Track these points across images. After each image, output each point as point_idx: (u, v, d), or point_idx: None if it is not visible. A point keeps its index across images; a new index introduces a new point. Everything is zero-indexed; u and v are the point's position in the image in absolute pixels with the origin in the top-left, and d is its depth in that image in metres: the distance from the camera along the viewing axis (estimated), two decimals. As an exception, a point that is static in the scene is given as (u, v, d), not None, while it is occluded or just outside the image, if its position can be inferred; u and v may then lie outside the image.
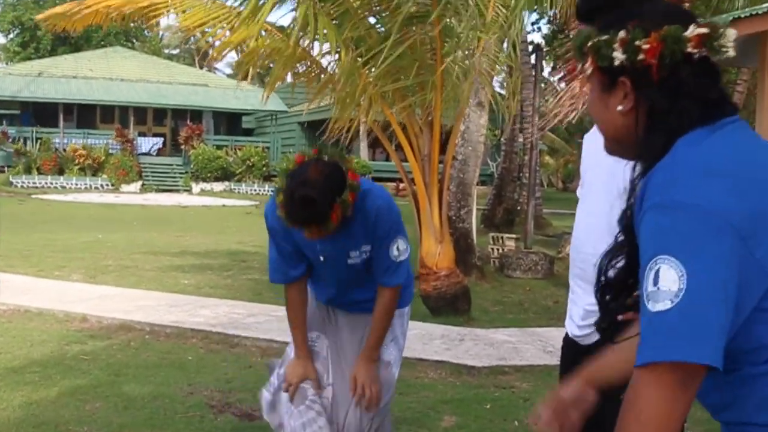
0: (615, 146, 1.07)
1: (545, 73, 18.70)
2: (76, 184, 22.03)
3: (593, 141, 1.87)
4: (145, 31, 35.34)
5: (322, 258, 2.19)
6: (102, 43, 33.11)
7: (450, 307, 5.54)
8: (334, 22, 4.96)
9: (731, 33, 1.00)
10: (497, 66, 5.91)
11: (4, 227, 9.57)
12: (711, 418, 1.02)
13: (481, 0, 4.73)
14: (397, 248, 2.17)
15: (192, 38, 27.99)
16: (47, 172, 22.12)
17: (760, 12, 5.49)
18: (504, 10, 5.18)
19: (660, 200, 0.91)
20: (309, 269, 2.29)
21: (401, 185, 15.59)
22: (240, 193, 22.63)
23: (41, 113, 24.41)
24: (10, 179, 21.50)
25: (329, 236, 2.08)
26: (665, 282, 0.86)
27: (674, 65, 0.98)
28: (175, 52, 42.77)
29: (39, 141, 23.10)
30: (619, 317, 1.72)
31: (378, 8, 5.23)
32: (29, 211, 14.18)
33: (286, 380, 2.29)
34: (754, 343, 0.91)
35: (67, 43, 32.41)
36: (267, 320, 5.10)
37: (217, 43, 5.98)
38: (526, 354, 4.51)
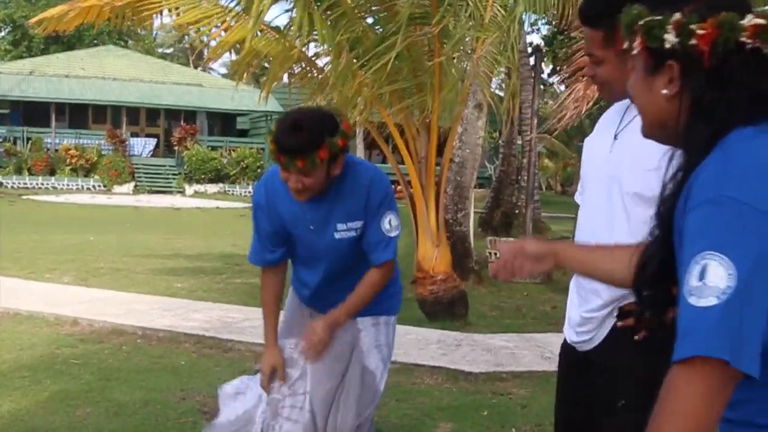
0: (653, 131, 1.06)
1: (544, 75, 18.74)
2: (68, 185, 21.91)
3: (594, 145, 1.83)
4: (139, 30, 35.21)
5: (311, 227, 2.13)
6: (95, 41, 32.97)
7: (447, 311, 5.51)
8: (329, 22, 4.91)
9: None
10: (496, 67, 5.87)
11: (-6, 228, 9.50)
12: None
13: (480, 1, 4.69)
14: (389, 222, 2.14)
15: (186, 37, 27.92)
16: (38, 173, 21.99)
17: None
18: (502, 11, 5.16)
19: (713, 196, 0.89)
20: (288, 255, 2.26)
21: (398, 188, 15.55)
22: (234, 195, 22.56)
23: (32, 112, 24.24)
24: (0, 180, 21.35)
25: (319, 203, 2.08)
26: (713, 278, 0.86)
27: (726, 54, 0.96)
28: (169, 51, 42.65)
29: (30, 141, 22.94)
30: (619, 324, 1.70)
31: (375, 9, 5.19)
32: (20, 212, 14.11)
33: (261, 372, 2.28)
34: None
35: (59, 41, 32.25)
36: (261, 325, 4.98)
37: (213, 42, 5.93)
38: (523, 360, 4.48)
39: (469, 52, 5.39)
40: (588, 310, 1.75)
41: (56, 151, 22.73)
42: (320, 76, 5.74)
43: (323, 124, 2.01)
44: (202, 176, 23.10)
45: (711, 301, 0.85)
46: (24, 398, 3.48)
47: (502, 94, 7.29)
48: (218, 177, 23.28)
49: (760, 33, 0.95)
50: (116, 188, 22.17)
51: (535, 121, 9.69)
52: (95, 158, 22.51)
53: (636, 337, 1.66)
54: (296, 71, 5.91)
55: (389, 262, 2.18)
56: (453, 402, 3.71)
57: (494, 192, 13.63)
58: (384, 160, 19.62)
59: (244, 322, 5.15)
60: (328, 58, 5.48)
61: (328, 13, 4.93)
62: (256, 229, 2.25)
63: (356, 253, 2.18)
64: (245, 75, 6.21)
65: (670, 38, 0.97)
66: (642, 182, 1.57)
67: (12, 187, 21.08)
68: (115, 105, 24.85)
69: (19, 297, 5.71)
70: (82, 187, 22.01)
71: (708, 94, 0.96)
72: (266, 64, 6.16)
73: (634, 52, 1.03)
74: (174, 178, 23.48)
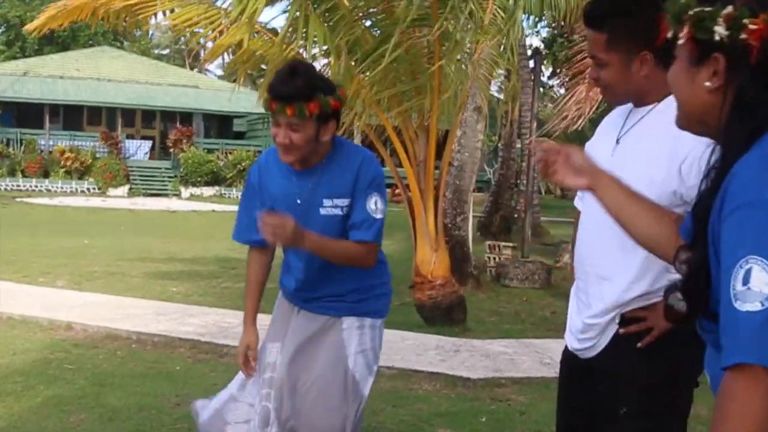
0: (689, 123, 1.05)
1: (544, 78, 18.72)
2: (62, 188, 21.83)
3: (596, 149, 1.82)
4: (135, 31, 35.18)
5: (298, 201, 2.12)
6: (90, 42, 32.91)
7: (445, 317, 5.48)
8: (327, 24, 4.88)
9: None
10: (495, 70, 5.86)
11: (-13, 231, 9.45)
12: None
13: (479, 3, 4.67)
14: (375, 203, 2.12)
15: (182, 38, 27.88)
16: (32, 175, 21.90)
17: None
18: (502, 13, 5.14)
19: (755, 198, 0.89)
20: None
21: (396, 191, 15.51)
22: (230, 198, 22.48)
23: (26, 114, 24.16)
24: (-6, 182, 21.29)
25: (308, 176, 2.09)
26: (757, 283, 0.86)
27: None
28: (165, 52, 42.60)
29: (23, 143, 22.84)
30: (621, 331, 1.68)
31: (373, 11, 5.16)
32: (13, 215, 14.05)
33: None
34: None
35: (53, 42, 32.19)
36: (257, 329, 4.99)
37: (209, 44, 5.90)
38: (522, 366, 4.46)
39: (467, 53, 5.36)
40: (590, 316, 1.74)
41: (50, 152, 22.65)
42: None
43: (319, 80, 2.06)
44: (198, 179, 23.04)
45: (756, 306, 0.86)
46: (17, 404, 3.45)
47: (501, 97, 7.28)
48: (214, 180, 23.23)
49: None
50: (111, 191, 22.09)
51: (535, 124, 9.67)
52: (90, 160, 22.44)
53: (639, 345, 1.65)
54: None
55: (370, 244, 2.13)
56: (451, 408, 3.68)
57: (493, 196, 13.58)
58: (382, 163, 19.48)
59: (240, 327, 5.04)
60: (326, 60, 5.45)
61: (327, 15, 4.90)
62: (245, 207, 2.27)
63: (344, 236, 2.15)
64: (242, 77, 6.17)
65: (720, 31, 0.96)
66: (645, 187, 1.55)
67: (5, 189, 21.00)
68: (111, 106, 24.79)
69: (12, 301, 5.66)
70: (77, 189, 21.93)
71: (752, 91, 0.95)
72: (264, 66, 6.13)
73: (680, 42, 1.02)
74: (170, 181, 23.41)
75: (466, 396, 3.91)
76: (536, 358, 4.62)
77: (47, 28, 6.32)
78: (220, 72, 35.49)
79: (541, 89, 13.55)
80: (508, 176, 13.75)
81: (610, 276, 1.69)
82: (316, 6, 4.81)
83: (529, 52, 11.40)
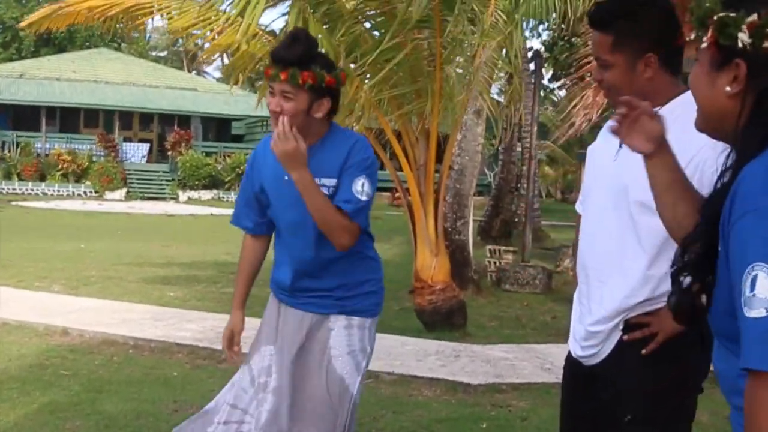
0: (707, 125, 1.07)
1: (545, 81, 18.71)
2: (59, 191, 21.79)
3: (598, 153, 1.81)
4: (132, 33, 35.19)
5: (286, 177, 2.08)
6: (87, 44, 32.88)
7: (445, 322, 5.46)
8: (326, 26, 4.86)
9: None
10: (495, 73, 5.85)
11: (-17, 235, 9.42)
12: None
13: (481, 5, 4.65)
14: (362, 185, 2.09)
15: (180, 40, 27.85)
16: (28, 178, 21.86)
17: None
18: (503, 16, 5.12)
19: (762, 205, 0.90)
20: (269, 229, 2.28)
21: (396, 195, 15.50)
22: (229, 202, 22.44)
23: (22, 116, 24.12)
24: (-10, 185, 21.24)
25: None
26: (762, 289, 0.88)
27: None
28: (163, 54, 42.59)
29: (19, 145, 22.79)
30: (625, 338, 1.66)
31: (373, 12, 5.14)
32: (9, 219, 14.00)
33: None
34: None
35: (50, 44, 32.20)
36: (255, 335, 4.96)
37: (207, 45, 5.87)
38: (523, 371, 4.44)
39: (468, 55, 5.34)
40: (592, 323, 1.73)
41: (47, 155, 22.61)
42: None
43: (319, 55, 2.10)
44: (196, 182, 23.01)
45: (761, 312, 0.87)
46: (12, 411, 3.42)
47: (501, 100, 7.26)
48: (212, 183, 23.19)
49: None
50: (108, 194, 22.05)
51: (535, 127, 9.65)
52: (87, 163, 22.41)
53: (643, 351, 1.63)
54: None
55: (352, 223, 2.09)
56: (451, 414, 3.67)
57: (494, 200, 13.56)
58: (382, 167, 19.49)
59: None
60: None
61: (326, 16, 4.88)
62: (243, 192, 2.32)
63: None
64: (240, 79, 6.14)
65: (744, 38, 0.97)
66: (648, 191, 1.55)
67: (1, 192, 20.94)
68: (108, 109, 24.75)
69: (7, 306, 5.63)
70: (73, 193, 21.89)
71: None
72: (262, 68, 6.09)
73: (703, 45, 1.03)
74: (167, 185, 23.37)
75: (466, 402, 3.89)
76: (537, 364, 4.60)
77: (42, 27, 6.30)
78: (219, 74, 35.53)
79: (542, 92, 13.52)
80: (509, 180, 13.74)
81: (612, 281, 1.69)
82: (314, 11, 4.78)
83: (530, 55, 11.37)
